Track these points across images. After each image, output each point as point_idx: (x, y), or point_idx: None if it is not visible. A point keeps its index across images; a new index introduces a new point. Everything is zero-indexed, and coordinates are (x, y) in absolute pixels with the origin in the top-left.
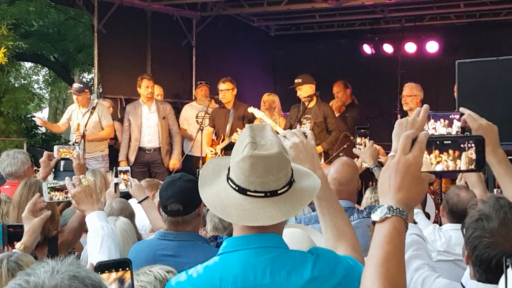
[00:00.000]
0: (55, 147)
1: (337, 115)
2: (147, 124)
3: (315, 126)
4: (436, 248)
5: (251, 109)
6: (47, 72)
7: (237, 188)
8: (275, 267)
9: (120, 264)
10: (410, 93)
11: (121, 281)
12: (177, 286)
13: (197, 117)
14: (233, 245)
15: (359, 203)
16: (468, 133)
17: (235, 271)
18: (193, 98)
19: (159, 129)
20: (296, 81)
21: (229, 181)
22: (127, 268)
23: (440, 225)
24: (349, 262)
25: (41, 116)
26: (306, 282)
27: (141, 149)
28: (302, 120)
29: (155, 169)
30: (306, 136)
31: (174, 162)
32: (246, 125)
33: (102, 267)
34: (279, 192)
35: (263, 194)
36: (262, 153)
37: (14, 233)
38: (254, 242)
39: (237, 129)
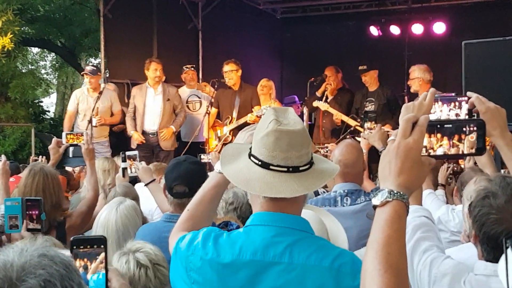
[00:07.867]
0: (64, 134)
1: (329, 98)
2: (152, 107)
3: (378, 108)
4: (449, 229)
5: (316, 103)
6: (54, 57)
7: (260, 163)
8: (297, 248)
9: (96, 241)
10: (412, 76)
11: (85, 267)
12: (206, 234)
13: (187, 102)
14: (259, 220)
15: None
16: (476, 116)
17: (257, 244)
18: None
19: (161, 113)
20: (360, 68)
21: (252, 157)
22: (102, 246)
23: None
24: None
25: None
26: (324, 269)
27: (144, 133)
28: (365, 103)
29: (159, 153)
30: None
31: (168, 130)
32: (269, 108)
33: (78, 241)
34: (301, 168)
35: (285, 169)
36: (287, 128)
37: (31, 206)
38: (281, 221)
39: (252, 109)
